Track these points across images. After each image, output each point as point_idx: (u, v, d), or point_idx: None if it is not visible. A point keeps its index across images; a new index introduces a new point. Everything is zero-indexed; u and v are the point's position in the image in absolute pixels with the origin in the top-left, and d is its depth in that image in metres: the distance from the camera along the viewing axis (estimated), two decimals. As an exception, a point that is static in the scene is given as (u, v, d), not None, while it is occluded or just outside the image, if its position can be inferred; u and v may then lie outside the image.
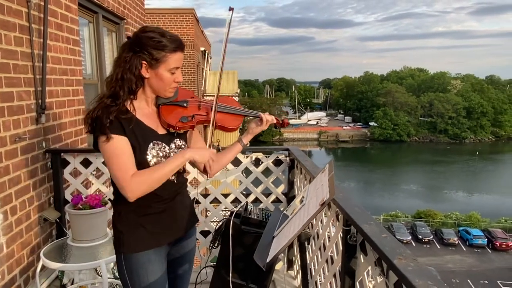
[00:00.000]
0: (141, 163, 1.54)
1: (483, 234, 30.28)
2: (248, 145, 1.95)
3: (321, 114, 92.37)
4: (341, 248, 1.83)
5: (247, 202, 2.71)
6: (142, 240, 1.62)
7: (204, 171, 1.76)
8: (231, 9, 1.79)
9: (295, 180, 3.21)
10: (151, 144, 1.58)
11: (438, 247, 29.76)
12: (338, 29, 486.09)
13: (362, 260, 1.56)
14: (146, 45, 1.52)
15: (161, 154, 1.60)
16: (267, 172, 3.30)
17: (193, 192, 3.29)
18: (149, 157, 1.56)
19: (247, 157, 3.28)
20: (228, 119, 1.82)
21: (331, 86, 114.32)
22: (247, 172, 3.35)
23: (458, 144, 71.63)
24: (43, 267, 2.64)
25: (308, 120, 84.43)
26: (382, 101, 75.37)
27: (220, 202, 3.36)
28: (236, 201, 3.37)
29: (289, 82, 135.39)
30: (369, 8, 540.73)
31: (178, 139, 1.69)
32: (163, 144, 1.62)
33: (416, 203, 38.90)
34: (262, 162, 3.28)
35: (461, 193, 45.89)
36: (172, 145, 1.66)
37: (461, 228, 31.92)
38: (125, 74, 1.53)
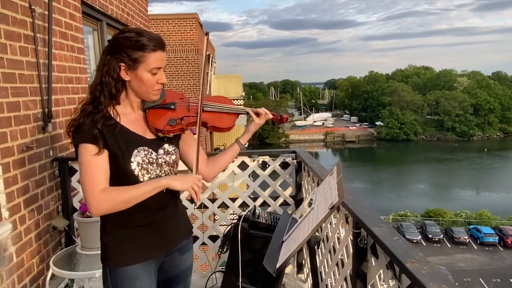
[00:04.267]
0: (124, 171, 1.48)
1: (494, 232, 29.98)
2: (246, 145, 1.85)
3: (327, 115, 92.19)
4: (351, 251, 1.81)
5: (255, 206, 2.70)
6: (129, 253, 1.54)
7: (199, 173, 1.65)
8: (207, 33, 1.78)
9: (302, 182, 3.19)
10: (136, 151, 1.50)
11: (449, 246, 29.52)
12: (340, 29, 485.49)
13: (374, 263, 1.53)
14: (123, 46, 1.46)
15: (147, 161, 1.52)
16: (274, 175, 3.28)
17: (201, 197, 3.29)
18: (133, 165, 1.49)
19: (254, 160, 3.26)
20: (219, 118, 1.73)
21: (336, 86, 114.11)
22: (254, 175, 3.33)
23: (466, 142, 71.10)
24: (53, 275, 2.64)
25: (314, 121, 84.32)
26: (388, 100, 75.03)
27: (228, 207, 3.35)
28: (243, 205, 3.36)
29: (294, 84, 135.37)
30: (370, 8, 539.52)
31: (167, 144, 1.61)
32: (150, 150, 1.55)
33: (425, 202, 38.61)
34: (269, 165, 3.26)
35: (470, 191, 45.49)
36: (161, 151, 1.58)
37: (471, 226, 31.63)
38: (104, 77, 1.47)
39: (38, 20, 2.83)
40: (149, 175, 1.53)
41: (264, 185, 3.30)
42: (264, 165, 3.27)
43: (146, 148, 1.53)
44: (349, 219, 1.79)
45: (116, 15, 4.60)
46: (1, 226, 2.38)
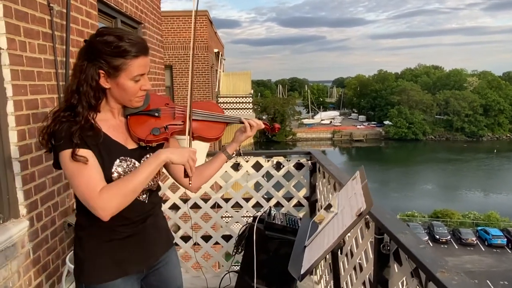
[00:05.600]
0: (106, 182, 1.36)
1: (502, 234, 29.72)
2: (233, 154, 1.74)
3: (335, 113, 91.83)
4: (371, 256, 1.79)
5: (270, 207, 2.70)
6: (107, 269, 1.43)
7: (184, 183, 1.53)
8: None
9: (317, 184, 3.18)
10: (118, 161, 1.40)
11: (456, 247, 29.31)
12: (349, 27, 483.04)
13: (396, 270, 1.52)
14: (101, 52, 1.32)
15: (129, 172, 1.42)
16: (288, 175, 3.27)
17: (214, 197, 3.29)
18: (114, 176, 1.39)
19: (268, 161, 3.26)
20: (207, 128, 1.60)
21: (344, 85, 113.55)
22: (268, 176, 3.33)
23: (475, 142, 70.44)
24: (68, 272, 2.66)
25: (322, 120, 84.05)
26: (396, 100, 74.49)
27: (241, 206, 3.34)
28: (256, 205, 3.36)
29: (302, 82, 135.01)
30: (380, 6, 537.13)
31: (151, 153, 1.49)
32: (133, 160, 1.45)
33: (432, 202, 38.35)
34: (283, 166, 3.25)
35: (478, 192, 45.10)
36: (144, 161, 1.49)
37: (479, 228, 31.38)
38: (81, 86, 1.33)
39: (56, 18, 2.84)
40: None
41: (277, 186, 3.29)
42: (278, 166, 3.26)
43: (128, 158, 1.43)
44: (370, 224, 1.77)
45: (130, 12, 4.61)
46: (18, 223, 2.40)
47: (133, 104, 1.44)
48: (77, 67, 1.36)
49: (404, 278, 1.46)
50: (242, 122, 1.69)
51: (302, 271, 1.26)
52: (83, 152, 1.31)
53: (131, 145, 1.46)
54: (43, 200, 2.64)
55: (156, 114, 1.51)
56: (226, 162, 1.77)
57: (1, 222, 2.31)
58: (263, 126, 1.73)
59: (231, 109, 16.43)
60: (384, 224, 1.49)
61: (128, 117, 1.48)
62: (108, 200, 1.28)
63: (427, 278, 1.22)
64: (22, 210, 2.44)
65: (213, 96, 15.13)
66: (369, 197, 1.21)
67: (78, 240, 1.47)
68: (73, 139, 1.30)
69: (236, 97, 17.32)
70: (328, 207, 1.71)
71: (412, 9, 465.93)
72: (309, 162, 3.20)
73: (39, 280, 2.58)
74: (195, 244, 3.29)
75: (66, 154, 1.30)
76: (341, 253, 2.42)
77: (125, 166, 1.42)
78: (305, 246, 1.47)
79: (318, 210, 3.15)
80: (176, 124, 1.53)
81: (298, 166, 3.25)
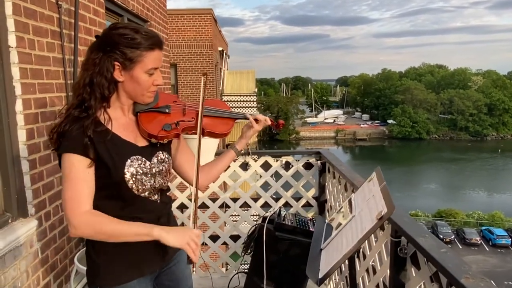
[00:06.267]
0: (118, 183, 1.37)
1: (506, 234, 29.60)
2: (242, 151, 1.74)
3: (338, 112, 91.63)
4: (385, 258, 1.76)
5: (280, 207, 2.67)
6: (123, 271, 1.43)
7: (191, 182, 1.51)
8: (204, 74, 1.62)
9: (326, 184, 3.15)
10: (129, 161, 1.39)
11: (460, 247, 29.19)
12: (353, 26, 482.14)
13: (414, 274, 1.49)
14: (117, 44, 1.33)
15: (141, 172, 1.41)
16: (297, 175, 3.25)
17: (222, 196, 3.27)
18: (127, 177, 1.38)
19: (277, 160, 3.23)
20: (217, 124, 1.62)
21: (348, 83, 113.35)
22: (276, 175, 3.30)
23: (479, 142, 70.12)
24: (77, 271, 2.65)
25: (325, 118, 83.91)
26: (400, 99, 74.21)
27: (249, 206, 3.32)
28: (264, 205, 3.33)
29: (305, 80, 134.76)
30: (384, 5, 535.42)
31: (161, 152, 1.50)
32: (143, 159, 1.43)
33: (436, 202, 38.20)
34: (292, 166, 3.22)
35: (482, 192, 44.89)
36: (154, 159, 1.47)
37: (483, 228, 31.25)
38: (95, 78, 1.33)
39: (64, 16, 2.82)
40: (144, 186, 1.43)
41: (286, 186, 3.26)
42: (287, 166, 3.23)
43: (139, 157, 1.42)
44: (385, 226, 1.74)
45: (137, 10, 4.59)
46: (27, 222, 2.38)
47: (144, 99, 1.43)
48: (90, 61, 1.36)
49: (422, 283, 1.42)
50: (247, 118, 1.69)
51: (320, 275, 1.23)
52: (83, 162, 1.30)
53: (141, 143, 1.45)
54: (51, 199, 2.62)
55: (167, 111, 1.51)
56: (235, 158, 1.77)
57: (9, 221, 2.29)
58: (269, 122, 1.73)
59: (236, 107, 16.42)
60: (402, 227, 1.46)
61: (138, 114, 1.47)
62: (86, 224, 1.29)
63: (449, 282, 1.18)
64: (31, 209, 2.42)
65: (217, 95, 15.10)
66: (389, 200, 1.18)
67: (91, 243, 1.44)
68: (82, 145, 1.29)
69: (240, 95, 17.30)
70: (341, 209, 1.68)
71: (416, 8, 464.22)
72: (319, 162, 3.17)
73: (47, 279, 2.57)
74: (203, 244, 3.27)
75: (67, 157, 1.30)
76: (357, 256, 2.39)
77: (136, 166, 1.40)
78: (321, 249, 1.44)
79: (328, 211, 3.12)
80: (186, 120, 1.54)
81: (307, 166, 3.22)
